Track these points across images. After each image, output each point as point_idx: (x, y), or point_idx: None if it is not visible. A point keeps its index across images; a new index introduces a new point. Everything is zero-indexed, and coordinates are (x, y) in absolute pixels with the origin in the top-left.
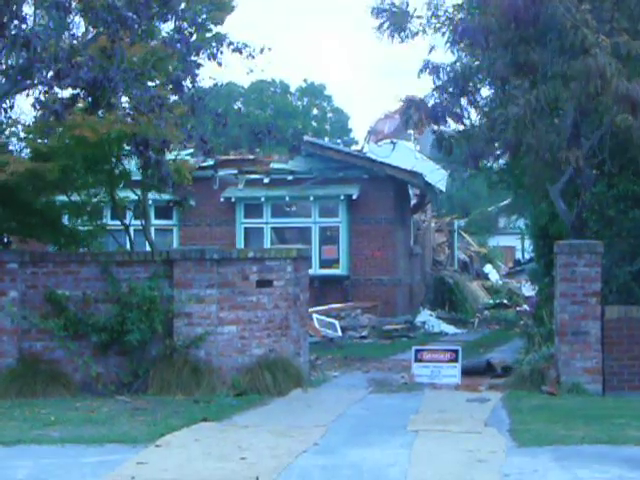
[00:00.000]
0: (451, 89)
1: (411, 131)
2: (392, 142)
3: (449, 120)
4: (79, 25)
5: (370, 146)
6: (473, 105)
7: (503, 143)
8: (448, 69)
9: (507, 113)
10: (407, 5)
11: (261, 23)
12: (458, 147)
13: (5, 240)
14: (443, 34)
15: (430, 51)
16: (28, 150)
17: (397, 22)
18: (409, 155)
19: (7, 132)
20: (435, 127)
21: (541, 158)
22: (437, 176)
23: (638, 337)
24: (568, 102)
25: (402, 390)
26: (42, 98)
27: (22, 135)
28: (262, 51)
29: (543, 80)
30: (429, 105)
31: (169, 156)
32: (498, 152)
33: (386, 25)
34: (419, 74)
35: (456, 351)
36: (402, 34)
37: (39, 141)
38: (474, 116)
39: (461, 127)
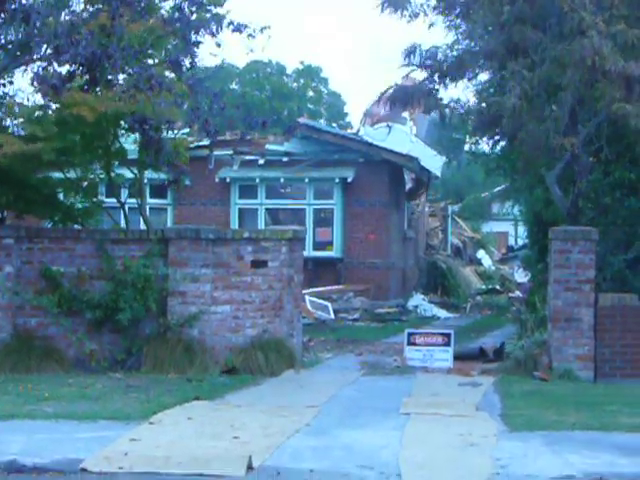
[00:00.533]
0: (447, 73)
1: (406, 114)
2: (388, 126)
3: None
4: (79, 1)
5: (366, 129)
6: (470, 89)
7: (499, 130)
8: (441, 53)
9: (503, 101)
10: None
11: (258, 5)
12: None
13: (0, 216)
14: (445, 16)
15: (429, 27)
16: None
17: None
18: (405, 139)
19: (4, 110)
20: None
21: (537, 145)
22: (432, 161)
23: (631, 325)
24: (565, 89)
25: (395, 373)
26: (40, 73)
27: (18, 121)
28: (262, 30)
29: (540, 64)
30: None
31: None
32: (496, 138)
33: (387, 6)
34: (405, 57)
35: (449, 335)
36: (404, 12)
37: (35, 120)
38: (472, 99)
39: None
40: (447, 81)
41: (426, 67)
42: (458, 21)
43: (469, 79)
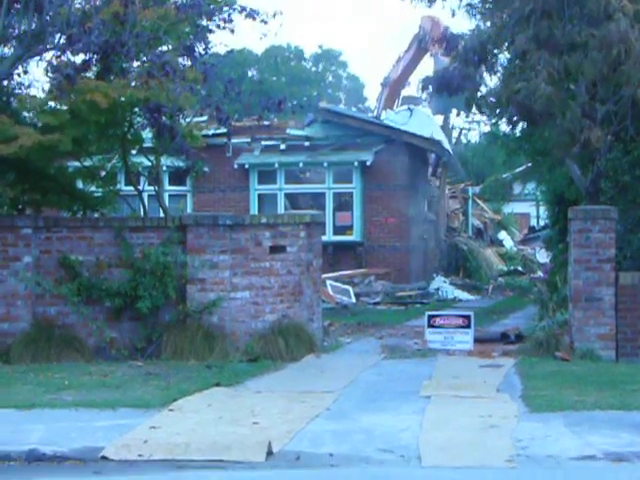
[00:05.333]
0: (471, 57)
1: (423, 95)
2: (409, 109)
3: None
4: None
5: (387, 113)
6: (491, 73)
7: (523, 114)
8: (466, 39)
9: (532, 87)
10: None
11: None
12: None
13: (19, 206)
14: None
15: (453, 15)
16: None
17: None
18: (426, 122)
19: (16, 102)
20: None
21: (560, 130)
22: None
23: None
24: (587, 69)
25: (415, 356)
26: (54, 63)
27: (30, 109)
28: (275, 15)
29: (567, 51)
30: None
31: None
32: (515, 119)
33: None
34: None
35: (469, 317)
36: None
37: (49, 109)
38: (491, 82)
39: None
40: (471, 67)
41: (457, 57)
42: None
43: (492, 64)
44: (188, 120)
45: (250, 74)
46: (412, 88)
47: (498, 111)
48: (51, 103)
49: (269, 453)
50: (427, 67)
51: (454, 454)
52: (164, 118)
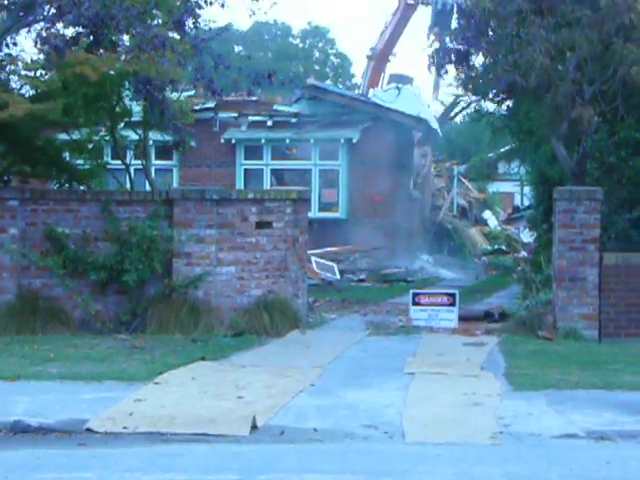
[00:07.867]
0: (468, 34)
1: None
2: (397, 87)
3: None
4: None
5: (375, 91)
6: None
7: (516, 90)
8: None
9: (526, 57)
10: None
11: None
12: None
13: (6, 178)
14: None
15: None
16: (29, 88)
17: None
18: (414, 100)
19: (8, 69)
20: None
21: (551, 106)
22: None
23: (635, 284)
24: (578, 49)
25: (400, 333)
26: (44, 34)
27: (23, 73)
28: None
29: (561, 25)
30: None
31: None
32: (501, 96)
33: None
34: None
35: (453, 295)
36: None
37: (40, 78)
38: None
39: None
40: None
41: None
42: None
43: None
44: (178, 95)
45: (236, 50)
46: (397, 60)
47: (489, 88)
48: (41, 71)
49: (253, 427)
50: (412, 35)
51: (438, 431)
52: (154, 92)
